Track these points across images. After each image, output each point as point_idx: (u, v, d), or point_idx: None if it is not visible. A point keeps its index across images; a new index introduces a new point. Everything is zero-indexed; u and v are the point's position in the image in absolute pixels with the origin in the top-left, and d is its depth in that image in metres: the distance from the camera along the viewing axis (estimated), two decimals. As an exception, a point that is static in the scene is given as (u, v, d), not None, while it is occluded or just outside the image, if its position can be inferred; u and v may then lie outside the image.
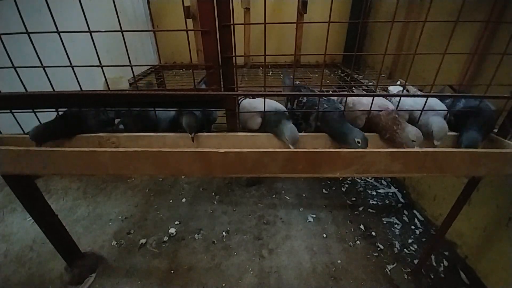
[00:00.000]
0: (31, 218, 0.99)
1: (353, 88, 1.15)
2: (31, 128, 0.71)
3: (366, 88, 1.29)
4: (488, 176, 1.00)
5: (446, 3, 1.16)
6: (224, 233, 1.40)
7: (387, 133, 0.72)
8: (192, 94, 0.69)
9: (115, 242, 1.34)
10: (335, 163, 0.66)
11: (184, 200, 1.64)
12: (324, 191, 1.72)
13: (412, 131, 0.69)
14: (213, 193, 1.69)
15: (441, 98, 0.80)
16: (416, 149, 0.65)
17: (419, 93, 0.90)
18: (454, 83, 0.89)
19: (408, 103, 0.77)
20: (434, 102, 0.76)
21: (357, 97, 0.80)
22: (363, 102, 0.76)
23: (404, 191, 1.66)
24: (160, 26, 2.14)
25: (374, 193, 1.69)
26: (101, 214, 1.51)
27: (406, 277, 1.17)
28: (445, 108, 0.76)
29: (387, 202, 1.63)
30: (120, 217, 1.50)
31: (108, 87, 0.71)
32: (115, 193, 1.68)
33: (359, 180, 1.82)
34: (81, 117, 0.77)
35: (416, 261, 1.22)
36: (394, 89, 0.93)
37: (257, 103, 0.77)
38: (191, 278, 1.17)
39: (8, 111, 0.72)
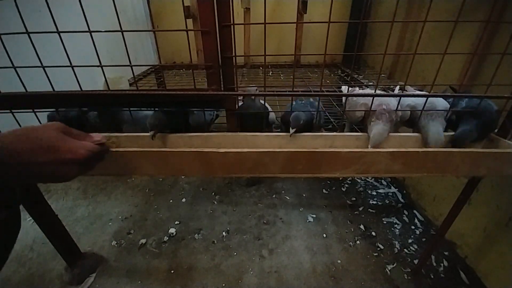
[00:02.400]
0: (31, 218, 0.99)
1: (364, 86, 1.16)
2: (149, 119, 0.70)
3: (366, 87, 1.29)
4: (488, 176, 1.00)
5: (446, 3, 1.16)
6: (224, 233, 1.40)
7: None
8: (192, 94, 0.69)
9: (115, 242, 1.34)
10: (335, 163, 0.66)
11: (184, 200, 1.64)
12: (324, 191, 1.72)
13: (373, 131, 0.71)
14: (213, 193, 1.70)
15: (444, 98, 0.80)
16: (416, 149, 0.65)
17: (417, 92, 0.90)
18: (454, 83, 0.89)
19: (407, 102, 0.77)
20: (436, 102, 0.76)
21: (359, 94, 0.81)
22: (366, 98, 0.77)
23: (404, 191, 1.66)
24: (160, 26, 2.14)
25: (374, 193, 1.70)
26: (101, 214, 1.51)
27: (406, 277, 1.17)
28: (447, 107, 0.75)
29: (387, 202, 1.63)
30: (120, 217, 1.50)
31: (108, 87, 0.71)
32: (115, 193, 1.68)
33: (359, 180, 1.82)
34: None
35: (416, 261, 1.22)
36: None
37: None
38: (191, 278, 1.17)
39: (8, 111, 0.72)
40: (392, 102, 0.76)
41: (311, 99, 0.89)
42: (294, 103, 0.78)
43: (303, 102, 0.84)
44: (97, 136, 0.46)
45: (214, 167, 0.67)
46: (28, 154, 0.36)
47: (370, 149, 0.65)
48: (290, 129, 0.71)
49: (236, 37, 0.65)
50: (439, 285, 1.14)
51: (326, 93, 0.93)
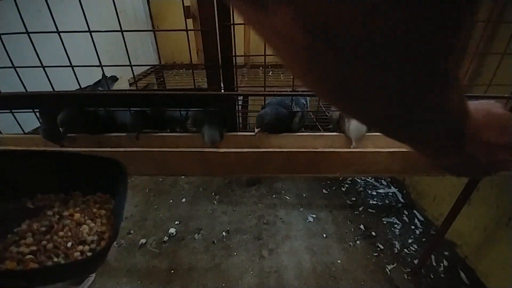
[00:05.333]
0: (31, 218, 0.99)
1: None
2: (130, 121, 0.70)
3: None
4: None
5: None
6: (224, 233, 1.40)
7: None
8: (192, 94, 0.69)
9: (115, 242, 1.33)
10: (335, 163, 0.66)
11: (184, 200, 1.64)
12: (324, 191, 1.72)
13: (351, 127, 0.70)
14: (213, 193, 1.69)
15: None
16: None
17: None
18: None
19: None
20: None
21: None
22: None
23: (404, 191, 1.66)
24: (160, 26, 2.14)
25: (374, 193, 1.69)
26: (101, 214, 1.51)
27: (406, 277, 1.17)
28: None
29: (387, 202, 1.63)
30: (120, 217, 1.50)
31: (108, 87, 0.71)
32: (115, 193, 1.68)
33: (359, 180, 1.82)
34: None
35: (416, 261, 1.22)
36: None
37: None
38: (191, 278, 1.17)
39: (8, 111, 0.72)
40: None
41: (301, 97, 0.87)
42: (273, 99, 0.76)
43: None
44: None
45: (214, 167, 0.67)
46: (487, 131, 0.28)
47: (370, 149, 0.65)
48: (255, 128, 0.70)
49: (236, 37, 0.65)
50: (439, 285, 1.14)
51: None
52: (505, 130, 0.30)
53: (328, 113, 0.86)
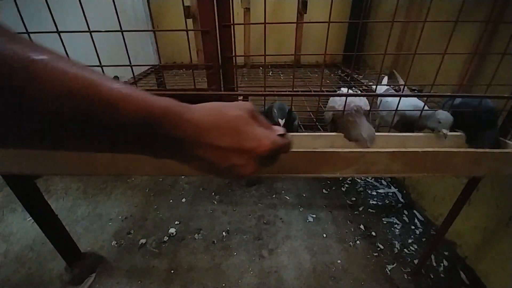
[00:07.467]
0: (31, 218, 0.99)
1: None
2: None
3: (366, 87, 1.29)
4: (488, 176, 1.00)
5: (446, 3, 1.16)
6: (224, 233, 1.40)
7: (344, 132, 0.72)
8: (192, 94, 0.69)
9: (115, 242, 1.34)
10: (335, 163, 0.66)
11: (184, 200, 1.64)
12: (324, 191, 1.72)
13: (364, 130, 0.67)
14: (213, 193, 1.69)
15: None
16: (416, 149, 0.65)
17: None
18: (454, 83, 0.89)
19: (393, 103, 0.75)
20: (415, 102, 0.76)
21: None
22: (336, 101, 0.75)
23: (404, 191, 1.66)
24: (160, 26, 2.14)
25: (374, 193, 1.69)
26: (101, 214, 1.51)
27: (406, 277, 1.17)
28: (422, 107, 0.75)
29: (387, 202, 1.63)
30: (120, 217, 1.50)
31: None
32: (115, 193, 1.68)
33: (359, 180, 1.82)
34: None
35: (416, 261, 1.22)
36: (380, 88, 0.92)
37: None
38: (191, 278, 1.17)
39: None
40: (363, 102, 0.74)
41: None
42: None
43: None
44: (279, 129, 0.35)
45: (214, 167, 0.67)
46: (214, 134, 0.28)
47: (370, 149, 0.65)
48: (280, 120, 0.67)
49: (236, 37, 0.65)
50: (439, 285, 1.14)
51: (326, 93, 0.93)
52: (236, 133, 0.28)
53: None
